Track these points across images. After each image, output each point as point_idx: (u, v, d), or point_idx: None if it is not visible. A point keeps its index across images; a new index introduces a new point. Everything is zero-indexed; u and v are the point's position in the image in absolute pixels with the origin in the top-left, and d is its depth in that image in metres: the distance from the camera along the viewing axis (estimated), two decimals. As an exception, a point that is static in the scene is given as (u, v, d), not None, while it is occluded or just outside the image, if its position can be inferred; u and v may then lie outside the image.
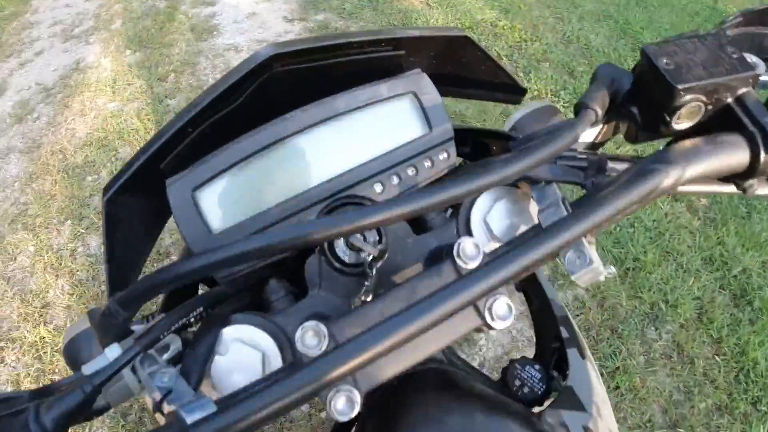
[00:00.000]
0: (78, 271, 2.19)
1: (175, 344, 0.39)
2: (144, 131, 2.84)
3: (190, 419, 0.28)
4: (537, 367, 0.53)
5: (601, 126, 0.45)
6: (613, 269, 1.91)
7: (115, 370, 0.34)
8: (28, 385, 1.86)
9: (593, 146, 0.47)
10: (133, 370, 0.37)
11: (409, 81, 0.45)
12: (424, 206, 0.32)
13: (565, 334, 0.54)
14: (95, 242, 2.31)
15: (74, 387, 0.34)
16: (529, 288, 0.57)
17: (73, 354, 0.39)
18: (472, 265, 0.34)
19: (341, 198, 0.42)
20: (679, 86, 0.35)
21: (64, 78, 3.40)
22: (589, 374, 0.51)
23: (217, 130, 0.41)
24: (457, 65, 0.48)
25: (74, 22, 4.12)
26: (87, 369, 0.36)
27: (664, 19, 3.96)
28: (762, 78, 0.38)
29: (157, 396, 0.34)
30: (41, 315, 2.05)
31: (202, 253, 0.31)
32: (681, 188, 0.36)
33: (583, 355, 0.53)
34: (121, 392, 0.38)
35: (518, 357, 0.54)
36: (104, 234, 0.41)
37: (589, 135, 0.46)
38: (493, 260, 0.32)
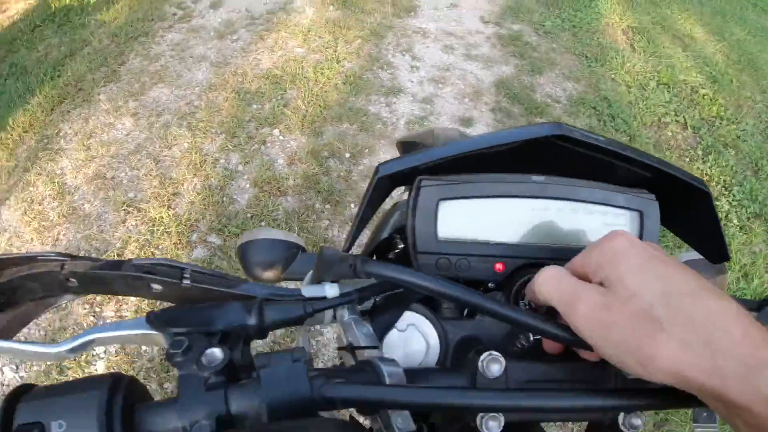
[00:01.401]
0: (212, 177, 2.54)
1: (369, 303, 0.50)
2: (314, 82, 3.16)
3: (388, 379, 0.38)
4: None
5: None
6: None
7: (332, 305, 0.45)
8: (132, 248, 2.22)
9: None
10: (334, 309, 0.48)
11: (643, 202, 0.50)
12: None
13: None
14: (235, 159, 2.65)
15: (296, 302, 0.43)
16: None
17: (253, 254, 0.52)
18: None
19: (539, 261, 0.49)
20: None
21: (270, 13, 3.88)
22: None
23: (470, 162, 0.50)
24: (685, 208, 0.53)
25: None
26: (306, 292, 0.46)
27: None
28: None
29: (358, 339, 0.44)
30: (169, 200, 2.42)
31: (440, 281, 0.39)
32: None
33: None
34: (317, 318, 0.48)
35: None
36: (367, 196, 0.50)
37: None
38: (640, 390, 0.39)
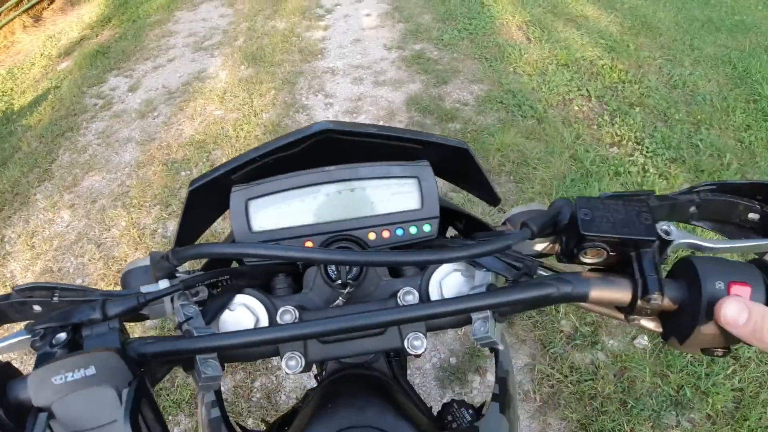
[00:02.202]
0: (153, 248, 2.72)
1: (203, 293, 0.59)
2: (235, 139, 3.40)
3: (196, 334, 0.49)
4: (471, 411, 0.69)
5: (546, 243, 0.59)
6: (500, 347, 1.95)
7: (163, 294, 0.52)
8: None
9: (539, 255, 0.61)
10: (171, 300, 0.55)
11: (417, 168, 0.62)
12: (388, 262, 0.51)
13: (496, 390, 0.69)
14: (172, 226, 2.84)
15: (132, 297, 0.51)
16: (497, 353, 0.74)
17: (129, 278, 0.62)
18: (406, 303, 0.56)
19: (344, 234, 0.62)
20: (584, 233, 0.49)
21: (186, 84, 4.14)
22: (500, 426, 0.66)
23: (276, 163, 0.62)
24: (456, 165, 0.67)
25: (206, 36, 4.96)
26: (144, 289, 0.53)
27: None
28: (681, 241, 0.51)
29: (182, 318, 0.52)
30: (115, 278, 2.58)
31: (241, 243, 0.54)
32: (573, 302, 0.52)
33: (502, 410, 0.67)
34: (159, 311, 0.57)
35: (461, 399, 0.71)
36: (183, 210, 0.62)
37: (538, 246, 0.60)
38: (414, 306, 0.50)
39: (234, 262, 0.71)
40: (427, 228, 0.62)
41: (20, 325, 0.51)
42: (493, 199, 0.69)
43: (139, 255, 2.70)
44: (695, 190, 0.56)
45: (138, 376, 0.43)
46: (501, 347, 0.56)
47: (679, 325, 0.47)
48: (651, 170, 2.93)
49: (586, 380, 1.97)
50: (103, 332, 0.46)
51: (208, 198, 0.62)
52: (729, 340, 0.45)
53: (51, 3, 6.51)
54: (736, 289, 0.43)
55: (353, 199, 0.61)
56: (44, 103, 4.32)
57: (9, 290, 0.54)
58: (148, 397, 0.44)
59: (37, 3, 6.27)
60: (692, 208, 0.56)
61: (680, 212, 0.56)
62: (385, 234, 0.62)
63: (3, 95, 4.63)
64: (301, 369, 0.54)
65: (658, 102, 3.49)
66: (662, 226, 0.50)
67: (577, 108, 3.50)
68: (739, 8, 5.05)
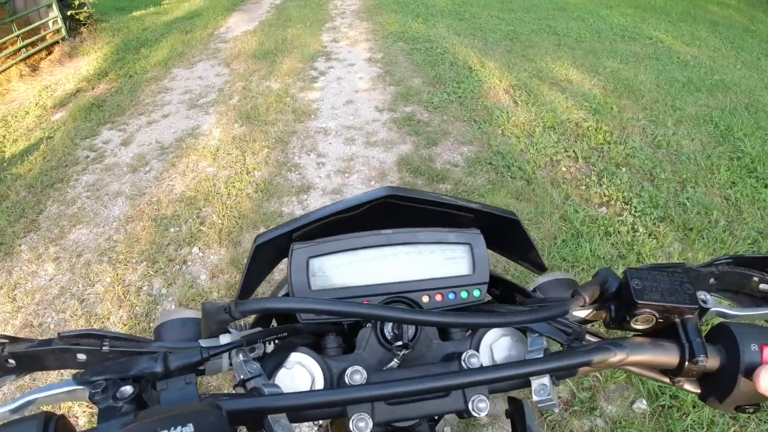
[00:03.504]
0: (137, 306, 2.67)
1: (259, 349, 0.61)
2: (227, 197, 3.42)
3: (267, 392, 0.48)
4: None
5: (590, 310, 0.63)
6: (557, 410, 1.92)
7: (225, 349, 0.53)
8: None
9: (584, 321, 0.66)
10: (229, 355, 0.56)
11: (470, 236, 0.65)
12: (445, 322, 0.54)
13: None
14: (158, 284, 2.80)
15: (194, 351, 0.51)
16: (516, 416, 0.74)
17: (165, 330, 0.62)
18: (470, 367, 0.57)
19: (399, 296, 0.64)
20: (638, 301, 0.54)
21: (179, 140, 4.20)
22: None
23: (336, 226, 0.65)
24: (505, 234, 0.70)
25: (201, 93, 5.08)
26: (204, 344, 0.54)
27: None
28: (713, 309, 0.58)
29: (246, 375, 0.51)
30: (96, 338, 2.52)
31: (309, 299, 0.55)
32: (626, 366, 0.57)
33: None
34: (215, 365, 0.59)
35: None
36: (247, 263, 0.64)
37: (582, 313, 0.64)
38: (481, 369, 0.53)
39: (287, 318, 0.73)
40: (477, 293, 0.65)
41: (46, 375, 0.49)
42: (539, 267, 0.73)
43: (123, 314, 2.65)
44: (715, 263, 0.62)
45: None
46: (558, 410, 0.60)
47: (718, 385, 0.52)
48: (640, 230, 2.98)
49: (584, 449, 1.93)
50: (180, 387, 0.45)
51: (268, 252, 0.64)
52: (761, 398, 0.49)
53: (49, 54, 6.66)
54: None
55: (409, 262, 0.63)
56: (36, 152, 4.34)
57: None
58: None
59: (35, 53, 6.41)
60: (712, 279, 0.62)
61: (703, 282, 0.62)
62: (438, 297, 0.64)
63: (-6, 144, 4.65)
64: (369, 430, 0.54)
65: (644, 162, 3.60)
66: (700, 295, 0.55)
67: (564, 169, 3.59)
68: (717, 68, 5.32)
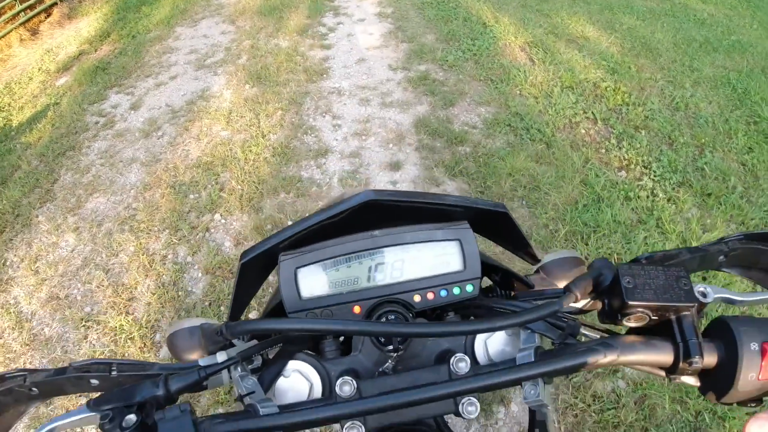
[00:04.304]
0: (163, 274, 2.70)
1: (257, 361, 0.63)
2: (244, 161, 3.39)
3: (262, 412, 0.50)
4: None
5: (587, 300, 0.60)
6: (549, 408, 1.90)
7: (221, 367, 0.56)
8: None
9: (580, 311, 0.65)
10: (228, 370, 0.58)
11: (458, 231, 0.65)
12: (426, 333, 0.55)
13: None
14: (183, 252, 2.82)
15: (194, 370, 0.54)
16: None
17: (176, 341, 0.66)
18: (460, 373, 0.56)
19: (390, 298, 0.64)
20: (629, 301, 0.52)
21: (190, 103, 4.13)
22: None
23: (322, 231, 0.64)
24: (496, 225, 0.69)
25: (208, 53, 4.97)
26: (202, 362, 0.57)
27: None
28: (717, 296, 0.55)
29: (243, 392, 0.55)
30: (125, 306, 2.56)
31: (295, 320, 0.56)
32: (619, 365, 0.55)
33: None
34: (216, 381, 0.61)
35: None
36: (235, 283, 0.65)
37: (578, 303, 0.61)
38: (468, 379, 0.53)
39: None
40: (469, 288, 0.65)
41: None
42: (532, 258, 0.72)
43: (150, 283, 2.68)
44: (725, 240, 0.60)
45: None
46: (550, 408, 0.58)
47: (716, 382, 0.51)
48: (660, 195, 2.98)
49: (608, 409, 1.99)
50: (176, 416, 0.48)
51: (255, 267, 0.65)
52: (763, 394, 0.49)
53: (48, 16, 6.48)
54: None
55: (398, 263, 0.64)
56: (43, 120, 4.29)
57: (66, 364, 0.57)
58: None
59: (34, 16, 6.23)
60: (721, 257, 0.60)
61: (710, 261, 0.60)
62: (430, 296, 0.64)
63: (0, 110, 4.59)
64: None
65: (663, 125, 3.56)
66: (699, 288, 0.53)
67: (584, 131, 3.55)
68: (734, 28, 5.19)
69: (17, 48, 5.86)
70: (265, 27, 5.41)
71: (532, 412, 0.73)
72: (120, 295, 2.63)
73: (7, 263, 2.98)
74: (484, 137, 3.48)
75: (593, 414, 1.98)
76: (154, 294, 2.60)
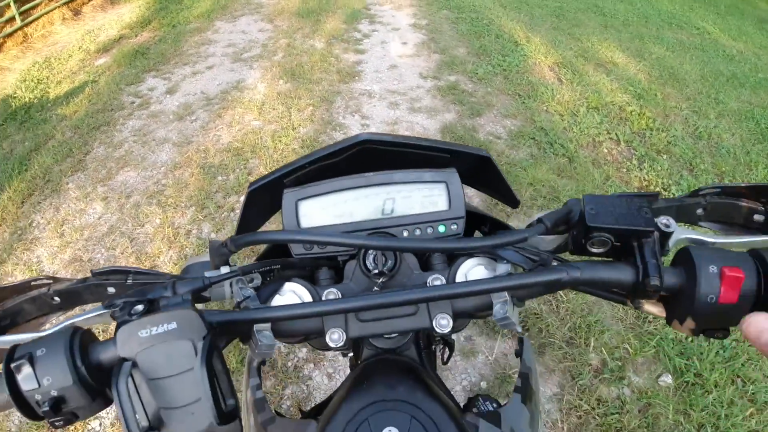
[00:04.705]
0: (186, 248, 2.78)
1: (257, 280, 0.66)
2: (273, 150, 3.49)
3: (254, 307, 0.56)
4: (495, 404, 0.75)
5: (561, 239, 0.65)
6: (519, 329, 1.84)
7: (224, 278, 0.59)
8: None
9: (557, 249, 0.68)
10: (230, 285, 0.62)
11: (445, 174, 0.70)
12: (421, 248, 0.59)
13: (518, 383, 0.73)
14: (207, 229, 2.91)
15: (198, 279, 0.57)
16: (522, 354, 0.80)
17: (190, 269, 0.69)
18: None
19: (379, 231, 0.69)
20: (590, 224, 0.56)
21: (224, 92, 4.26)
22: (521, 414, 0.70)
23: (322, 170, 0.70)
24: (480, 172, 0.74)
25: (245, 48, 5.11)
26: (208, 274, 0.60)
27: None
28: (685, 236, 0.56)
29: (240, 298, 0.59)
30: (150, 274, 2.64)
31: (293, 231, 0.62)
32: (582, 288, 0.58)
33: (524, 401, 0.72)
34: (219, 293, 0.66)
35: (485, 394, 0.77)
36: (242, 208, 0.70)
37: (553, 243, 0.66)
38: (438, 287, 0.57)
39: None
40: (454, 227, 0.69)
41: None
42: (513, 202, 0.76)
43: (173, 254, 2.76)
44: (701, 192, 0.62)
45: (210, 332, 0.49)
46: (519, 329, 0.63)
47: (679, 308, 0.52)
48: (677, 218, 3.01)
49: (612, 413, 2.01)
50: (178, 302, 0.53)
51: (263, 199, 0.70)
52: (727, 323, 0.50)
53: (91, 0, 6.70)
54: (728, 272, 0.48)
55: (388, 201, 0.68)
56: (80, 95, 4.43)
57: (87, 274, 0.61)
58: (218, 352, 0.50)
59: (78, -3, 6.46)
60: (699, 210, 0.63)
61: (688, 214, 0.63)
62: (417, 232, 0.69)
63: (39, 83, 4.75)
64: (343, 343, 0.61)
65: (684, 151, 3.61)
66: (662, 219, 0.55)
67: (606, 150, 3.60)
68: (762, 66, 5.24)
69: (59, 26, 6.06)
70: (302, 28, 5.56)
71: (519, 341, 0.79)
72: (143, 263, 2.71)
73: (33, 224, 3.09)
74: (508, 147, 3.55)
75: (597, 417, 2.01)
76: (176, 264, 2.68)
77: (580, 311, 2.39)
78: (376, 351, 0.73)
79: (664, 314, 0.55)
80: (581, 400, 2.05)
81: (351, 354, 1.02)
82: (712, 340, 2.19)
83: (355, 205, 0.68)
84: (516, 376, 0.74)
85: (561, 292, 2.34)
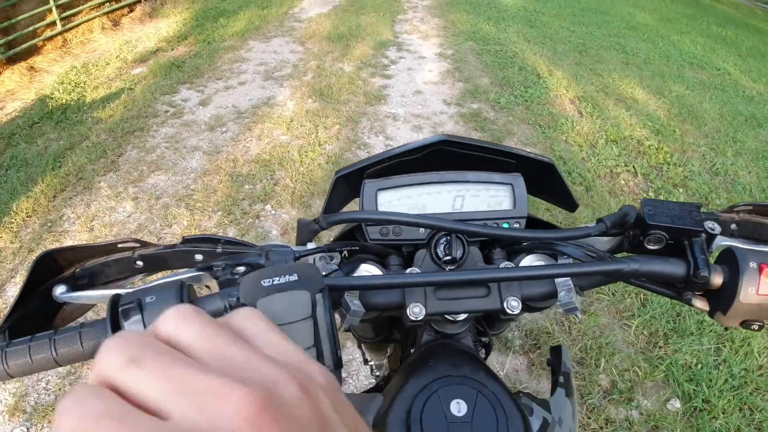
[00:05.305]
0: (213, 250, 2.89)
1: (337, 259, 0.67)
2: (299, 163, 3.62)
3: (342, 275, 0.61)
4: (539, 399, 0.78)
5: (616, 240, 0.71)
6: (580, 315, 1.93)
7: (312, 252, 0.64)
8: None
9: (612, 251, 0.73)
10: (314, 260, 0.65)
11: (512, 178, 0.75)
12: (496, 234, 0.62)
13: (561, 380, 0.80)
14: (232, 233, 3.02)
15: (289, 251, 0.61)
16: (554, 360, 0.85)
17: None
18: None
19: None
20: (649, 222, 0.62)
21: (254, 107, 4.43)
22: (566, 406, 0.76)
23: (400, 164, 0.77)
24: (542, 177, 0.79)
25: (276, 67, 5.32)
26: (295, 247, 0.64)
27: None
28: (724, 243, 0.62)
29: (327, 271, 0.61)
30: (178, 271, 2.75)
31: (375, 211, 0.68)
32: (638, 280, 0.64)
33: (567, 395, 0.78)
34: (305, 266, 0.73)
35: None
36: (329, 191, 0.76)
37: (608, 245, 0.72)
38: (508, 269, 0.64)
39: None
40: (516, 225, 0.75)
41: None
42: (572, 206, 0.82)
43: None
44: (735, 209, 0.68)
45: (326, 286, 0.51)
46: (581, 316, 0.69)
47: (722, 300, 0.58)
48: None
49: (621, 436, 2.05)
50: (285, 260, 0.58)
51: (345, 186, 0.77)
52: (765, 315, 0.56)
53: (131, 11, 7.01)
54: (767, 267, 0.55)
55: (459, 198, 0.74)
56: (116, 101, 4.62)
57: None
58: (330, 306, 0.53)
59: (117, 9, 6.75)
60: (734, 225, 0.68)
61: (723, 227, 0.66)
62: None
63: (76, 86, 4.95)
64: (422, 317, 0.65)
65: (700, 186, 3.67)
66: (708, 224, 0.61)
67: (623, 182, 3.68)
68: (781, 108, 5.31)
69: (98, 34, 6.33)
70: (332, 51, 5.77)
71: (556, 348, 0.85)
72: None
73: (64, 218, 3.21)
74: (527, 174, 3.64)
75: (604, 436, 2.05)
76: (202, 265, 2.79)
77: (592, 333, 2.44)
78: (434, 336, 0.78)
79: (707, 308, 0.61)
80: (590, 418, 2.10)
81: (389, 353, 1.09)
82: (722, 367, 2.24)
83: (428, 199, 0.74)
84: (525, 390, 0.80)
85: (572, 317, 2.39)
